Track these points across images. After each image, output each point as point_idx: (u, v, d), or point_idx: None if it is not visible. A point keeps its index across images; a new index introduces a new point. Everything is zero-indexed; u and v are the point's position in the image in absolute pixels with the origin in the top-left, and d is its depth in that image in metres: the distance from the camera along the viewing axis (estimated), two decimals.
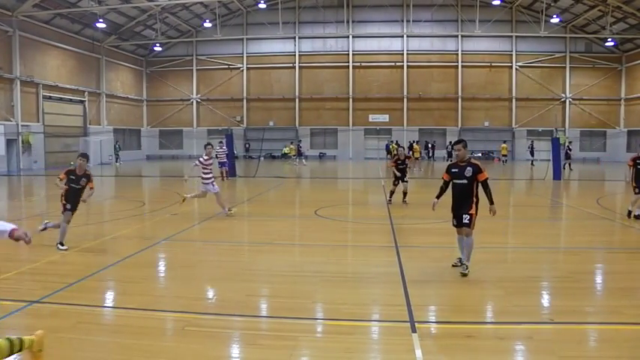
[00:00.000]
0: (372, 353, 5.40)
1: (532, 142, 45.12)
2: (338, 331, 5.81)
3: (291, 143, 42.23)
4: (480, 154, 46.66)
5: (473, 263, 9.08)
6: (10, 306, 6.42)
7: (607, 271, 8.71)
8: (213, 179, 14.05)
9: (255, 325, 6.12)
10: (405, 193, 17.20)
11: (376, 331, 5.98)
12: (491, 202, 7.96)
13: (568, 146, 34.29)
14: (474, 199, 7.94)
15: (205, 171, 13.89)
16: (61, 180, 10.00)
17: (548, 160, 30.68)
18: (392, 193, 17.22)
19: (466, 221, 7.90)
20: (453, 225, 8.19)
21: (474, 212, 7.92)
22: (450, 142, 46.41)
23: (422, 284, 7.62)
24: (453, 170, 8.07)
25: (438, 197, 8.37)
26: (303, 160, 38.87)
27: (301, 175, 31.20)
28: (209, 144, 14.49)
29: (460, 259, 8.24)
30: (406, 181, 17.23)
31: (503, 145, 43.74)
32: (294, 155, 40.12)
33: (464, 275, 7.86)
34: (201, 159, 13.93)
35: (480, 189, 7.96)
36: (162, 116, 52.75)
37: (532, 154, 42.80)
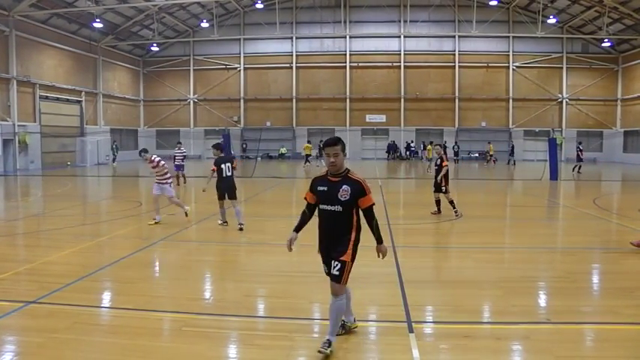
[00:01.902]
0: (369, 353, 5.40)
1: (512, 143, 45.26)
2: (336, 332, 5.80)
3: (308, 142, 41.61)
4: (477, 155, 46.76)
5: (470, 264, 9.09)
6: (7, 306, 6.41)
7: (604, 271, 8.73)
8: (167, 182, 13.04)
9: (252, 325, 6.11)
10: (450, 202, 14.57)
11: (373, 331, 5.97)
12: (380, 241, 5.33)
13: (579, 147, 34.06)
14: (353, 236, 5.22)
15: (159, 172, 12.90)
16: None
17: (545, 160, 30.74)
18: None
19: (335, 272, 5.14)
20: (327, 273, 5.46)
21: (349, 257, 5.15)
22: (456, 142, 46.51)
23: (419, 284, 7.62)
24: (320, 188, 5.21)
25: (296, 230, 5.52)
26: (317, 162, 38.10)
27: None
28: (143, 150, 13.54)
29: (343, 324, 5.66)
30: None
31: (489, 145, 43.79)
32: (309, 155, 39.50)
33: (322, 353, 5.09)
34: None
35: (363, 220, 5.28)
36: (159, 116, 52.71)
37: (512, 154, 43.21)
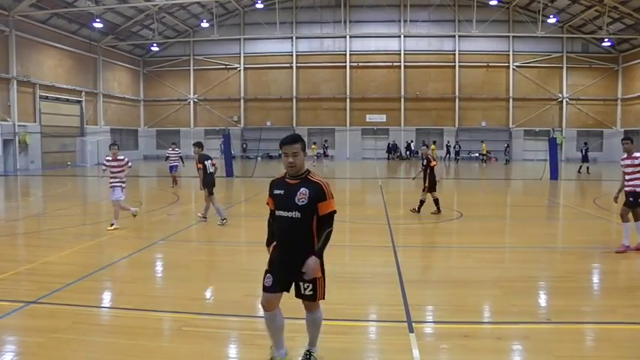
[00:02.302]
0: (369, 353, 5.39)
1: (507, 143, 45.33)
2: (335, 331, 5.80)
3: (314, 143, 41.58)
4: (477, 154, 46.78)
5: (470, 263, 9.09)
6: (7, 306, 6.41)
7: (604, 270, 8.72)
8: (119, 185, 12.40)
9: (252, 326, 6.11)
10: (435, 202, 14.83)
11: (373, 331, 5.98)
12: (319, 253, 4.46)
13: (586, 147, 33.97)
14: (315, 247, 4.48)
15: (111, 174, 12.43)
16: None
17: (545, 160, 30.75)
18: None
19: (308, 292, 4.58)
20: (265, 288, 4.87)
21: (318, 274, 4.52)
22: (457, 142, 46.47)
23: (419, 284, 7.62)
24: (277, 192, 4.60)
25: (269, 244, 4.91)
26: (326, 161, 37.97)
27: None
28: (114, 143, 12.97)
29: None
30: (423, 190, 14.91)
31: (482, 144, 43.88)
32: (316, 155, 39.46)
33: None
34: (104, 161, 12.62)
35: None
36: (159, 116, 52.72)
37: (506, 153, 43.56)
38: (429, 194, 14.69)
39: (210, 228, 12.78)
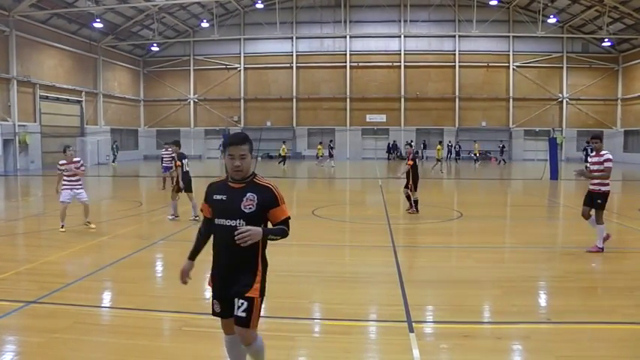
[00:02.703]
0: (369, 353, 5.40)
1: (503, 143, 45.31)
2: (335, 331, 5.81)
3: (320, 143, 41.54)
4: (477, 154, 46.79)
5: (470, 263, 9.09)
6: (7, 306, 6.41)
7: (604, 270, 8.73)
8: (67, 187, 11.90)
9: None
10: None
11: (373, 331, 5.98)
12: (265, 232, 3.83)
13: (590, 147, 33.91)
14: (260, 263, 3.99)
15: (64, 177, 11.98)
16: None
17: (545, 160, 30.76)
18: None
19: (241, 313, 3.82)
20: (215, 313, 4.09)
21: (257, 292, 3.89)
22: (457, 142, 46.36)
23: (419, 284, 7.62)
24: (217, 197, 3.96)
25: (191, 257, 4.34)
26: (331, 162, 38.00)
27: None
28: (68, 147, 12.37)
29: None
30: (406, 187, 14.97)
31: (475, 144, 43.87)
32: (321, 156, 39.41)
33: None
34: (58, 165, 12.25)
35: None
36: (159, 116, 52.73)
37: (502, 152, 43.69)
38: (412, 193, 14.75)
39: None
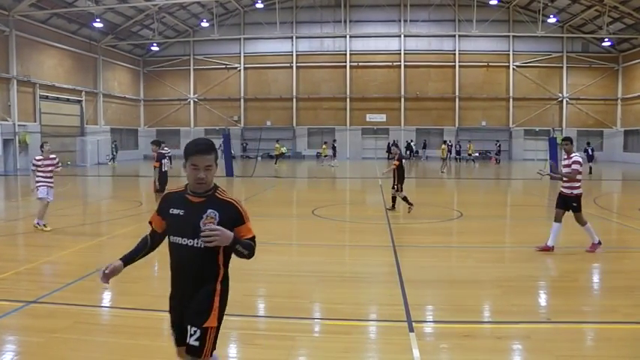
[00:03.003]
0: (369, 353, 5.40)
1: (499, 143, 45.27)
2: (335, 331, 5.82)
3: (325, 143, 41.49)
4: (477, 154, 46.79)
5: (470, 263, 9.09)
6: (7, 306, 6.41)
7: (604, 270, 8.73)
8: (43, 184, 11.79)
9: (252, 325, 6.12)
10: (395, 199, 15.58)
11: (374, 330, 5.98)
12: (235, 240, 3.35)
13: (592, 147, 33.88)
14: (219, 287, 3.57)
15: (39, 173, 11.88)
16: None
17: (546, 159, 30.77)
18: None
19: (194, 342, 3.49)
20: (176, 341, 3.83)
21: (214, 321, 3.54)
22: (458, 142, 46.17)
23: (419, 284, 7.62)
24: (174, 212, 3.53)
25: (124, 259, 3.94)
26: (335, 161, 37.99)
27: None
28: (45, 142, 12.36)
29: None
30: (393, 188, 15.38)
31: (469, 144, 43.91)
32: (325, 155, 39.35)
33: None
34: (34, 160, 12.15)
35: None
36: (159, 116, 52.72)
37: (498, 152, 43.91)
38: (391, 190, 15.34)
39: None
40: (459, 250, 10.57)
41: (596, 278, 8.39)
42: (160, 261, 9.51)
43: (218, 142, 44.95)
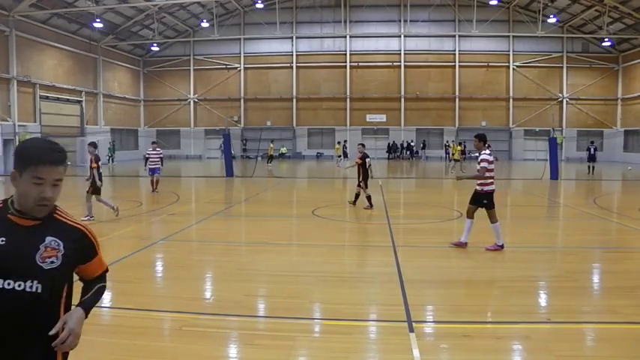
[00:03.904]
0: (369, 353, 5.39)
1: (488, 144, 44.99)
2: (335, 331, 5.81)
3: (338, 143, 41.26)
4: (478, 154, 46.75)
5: (470, 263, 9.10)
6: None
7: (604, 270, 8.73)
8: None
9: (252, 325, 6.11)
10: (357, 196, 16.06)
11: (374, 330, 5.98)
12: (88, 307, 2.75)
13: (593, 147, 33.78)
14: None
15: None
16: None
17: (546, 159, 30.77)
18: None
19: None
20: None
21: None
22: (460, 142, 46.06)
23: (419, 284, 7.62)
24: None
25: None
26: (346, 162, 37.96)
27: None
28: None
29: None
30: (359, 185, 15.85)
31: (457, 146, 43.63)
32: (339, 156, 39.15)
33: None
34: None
35: None
36: (159, 116, 52.72)
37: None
38: (363, 190, 15.69)
39: (210, 228, 12.79)
40: (458, 250, 10.55)
41: (596, 278, 8.38)
42: (158, 261, 9.52)
43: (218, 143, 45.07)
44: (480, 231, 12.35)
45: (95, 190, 13.43)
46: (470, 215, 9.86)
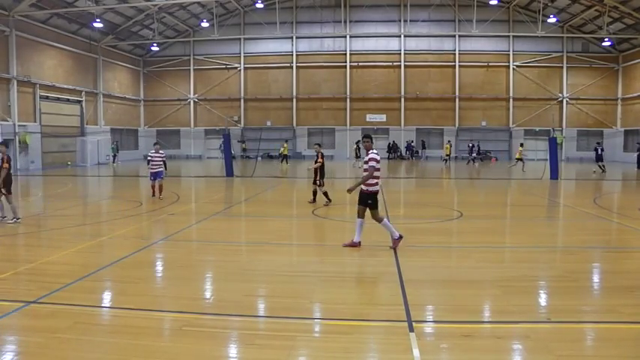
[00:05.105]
0: (369, 353, 5.40)
1: (477, 143, 45.20)
2: (336, 331, 5.82)
3: (355, 143, 41.14)
4: (477, 154, 46.89)
5: (471, 263, 9.10)
6: (7, 306, 6.41)
7: (604, 270, 8.73)
8: None
9: (253, 325, 6.11)
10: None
11: (374, 330, 5.97)
12: None
13: (600, 148, 33.86)
14: None
15: None
16: None
17: (545, 159, 30.77)
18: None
19: None
20: None
21: None
22: (472, 142, 46.09)
23: (419, 284, 7.62)
24: None
25: None
26: (359, 162, 37.91)
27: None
28: None
29: None
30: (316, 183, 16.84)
31: (447, 145, 43.88)
32: (357, 157, 39.12)
33: None
34: None
35: None
36: (159, 116, 52.73)
37: (471, 152, 44.15)
38: (319, 187, 16.68)
39: (211, 228, 12.79)
40: (459, 250, 10.57)
41: (596, 278, 8.38)
42: (159, 261, 9.52)
43: (218, 142, 45.07)
44: (480, 231, 12.38)
45: (7, 190, 13.14)
46: (360, 215, 9.93)
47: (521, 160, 35.77)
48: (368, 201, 9.75)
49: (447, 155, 43.41)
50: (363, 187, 9.84)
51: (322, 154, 16.91)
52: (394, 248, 9.74)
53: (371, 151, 9.86)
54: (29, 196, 21.68)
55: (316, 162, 16.62)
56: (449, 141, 45.41)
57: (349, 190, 10.30)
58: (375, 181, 9.77)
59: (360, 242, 9.91)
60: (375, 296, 7.15)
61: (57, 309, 6.38)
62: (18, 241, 11.37)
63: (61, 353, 5.13)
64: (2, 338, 5.54)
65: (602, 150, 33.17)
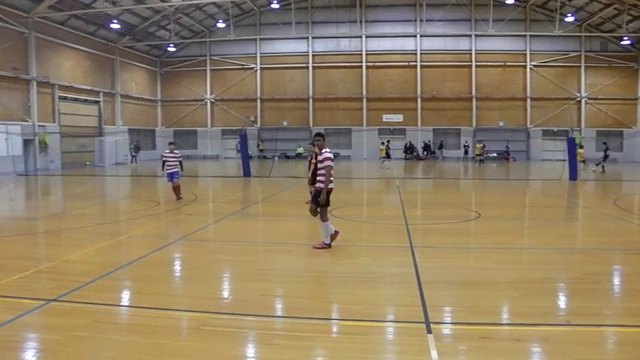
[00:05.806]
0: (387, 354, 5.38)
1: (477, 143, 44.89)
2: (353, 332, 5.80)
3: (382, 144, 41.19)
4: (495, 154, 46.57)
5: (488, 264, 9.03)
6: (29, 304, 6.49)
7: (625, 272, 8.61)
8: None
9: (270, 325, 6.12)
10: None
11: (391, 331, 5.96)
12: None
13: (608, 147, 33.65)
14: None
15: None
16: None
17: (564, 160, 30.47)
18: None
19: None
20: None
21: None
22: (480, 141, 45.87)
23: (437, 285, 7.58)
24: None
25: None
26: (388, 162, 37.91)
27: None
28: None
29: None
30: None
31: (478, 145, 43.48)
32: (383, 157, 39.10)
33: None
34: None
35: None
36: (176, 116, 53.06)
37: (466, 152, 44.54)
38: (309, 186, 15.80)
39: (228, 228, 12.84)
40: (476, 251, 10.50)
41: (617, 280, 8.27)
42: (176, 261, 9.57)
43: (234, 142, 45.26)
44: (498, 232, 12.29)
45: None
46: (315, 214, 10.08)
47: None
48: (317, 198, 9.79)
49: (478, 155, 42.76)
50: (318, 184, 9.88)
51: (317, 154, 16.32)
52: (317, 248, 9.88)
53: (324, 150, 9.84)
54: (49, 195, 21.96)
55: (310, 163, 16.10)
56: (480, 141, 44.84)
57: (322, 201, 9.73)
58: (331, 179, 9.83)
59: (329, 243, 9.99)
60: (392, 297, 7.12)
61: (75, 307, 6.44)
62: (39, 239, 11.52)
63: (79, 351, 5.18)
64: (24, 335, 5.62)
65: (607, 149, 33.13)
